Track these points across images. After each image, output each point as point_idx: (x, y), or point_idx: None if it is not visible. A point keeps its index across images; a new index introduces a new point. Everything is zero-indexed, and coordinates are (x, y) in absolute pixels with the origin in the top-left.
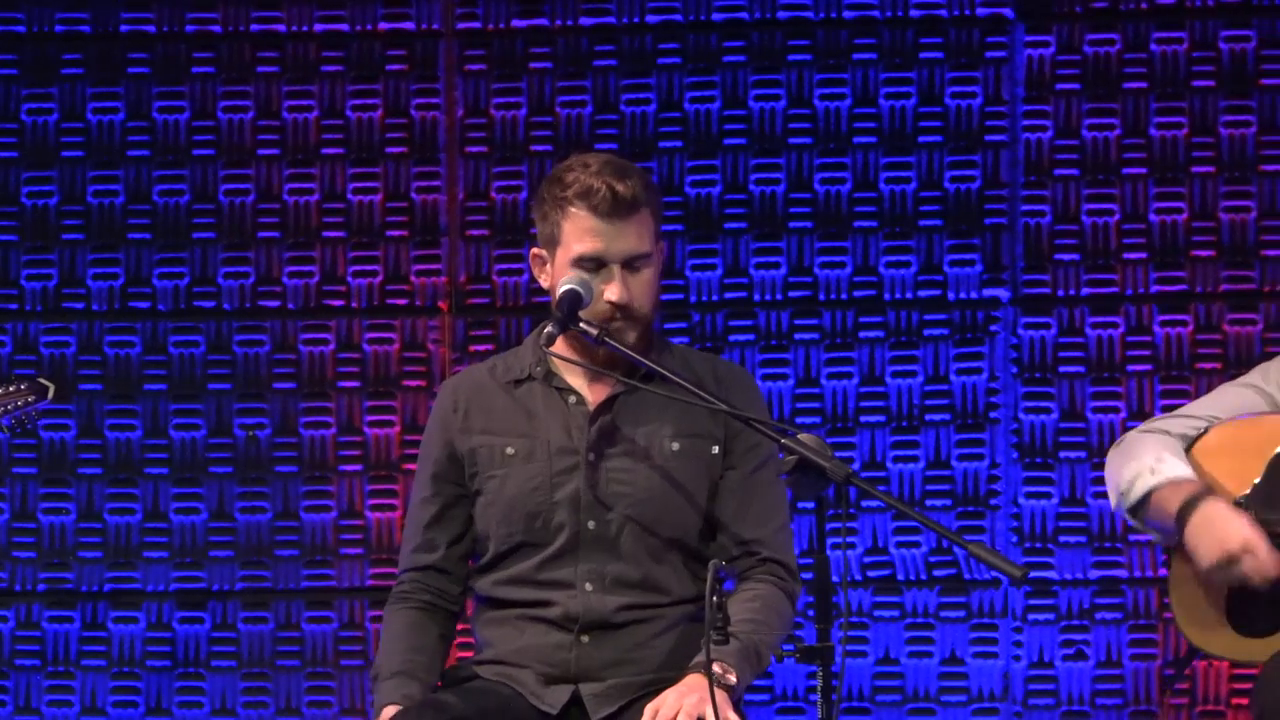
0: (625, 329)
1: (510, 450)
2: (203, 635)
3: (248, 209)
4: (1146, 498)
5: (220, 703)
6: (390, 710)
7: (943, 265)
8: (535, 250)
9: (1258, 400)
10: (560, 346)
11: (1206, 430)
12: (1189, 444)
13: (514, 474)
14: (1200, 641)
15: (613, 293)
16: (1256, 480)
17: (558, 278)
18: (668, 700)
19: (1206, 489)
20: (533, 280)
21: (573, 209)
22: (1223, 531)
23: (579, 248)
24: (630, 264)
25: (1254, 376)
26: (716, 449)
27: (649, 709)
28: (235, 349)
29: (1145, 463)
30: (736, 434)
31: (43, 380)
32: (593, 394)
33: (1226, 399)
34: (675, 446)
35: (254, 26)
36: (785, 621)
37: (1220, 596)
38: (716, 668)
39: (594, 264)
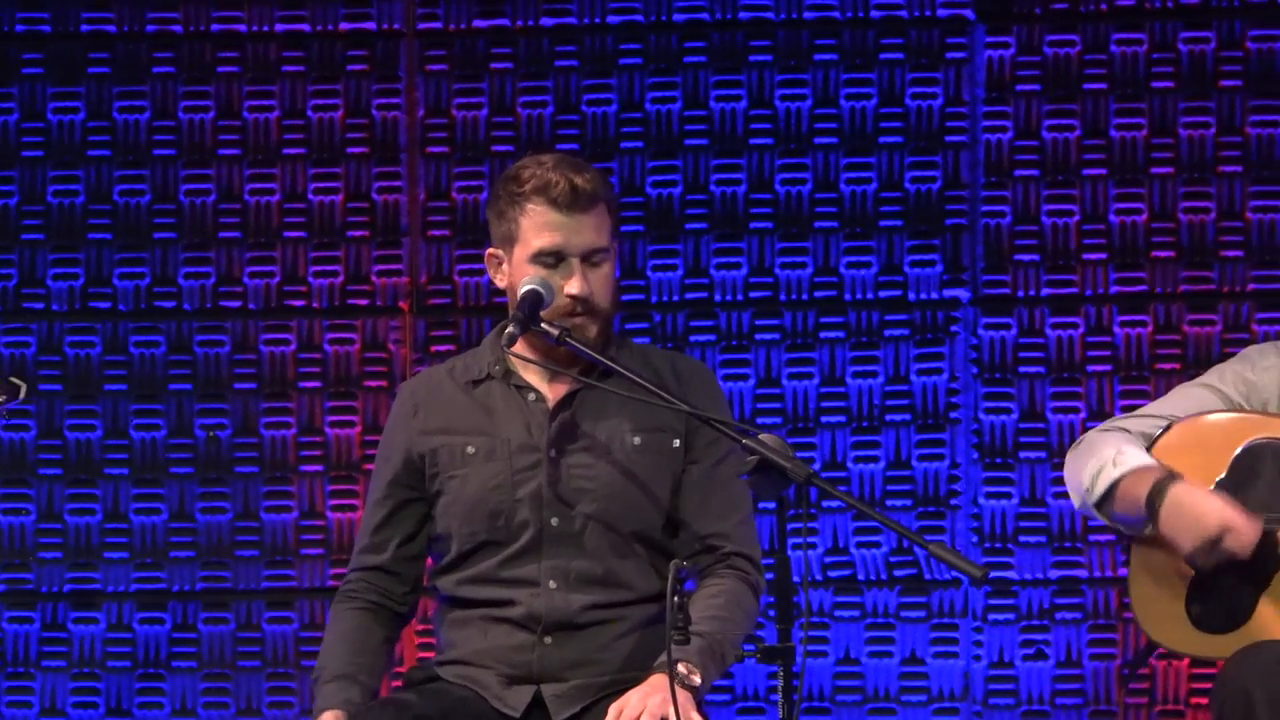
0: (587, 324)
1: (470, 449)
2: (163, 636)
3: (208, 209)
4: (1111, 490)
5: (181, 703)
6: (331, 715)
7: (903, 266)
8: (491, 250)
9: (1215, 400)
10: (520, 346)
11: (1167, 429)
12: (1150, 443)
13: (475, 473)
14: (1160, 638)
15: (574, 286)
16: (1220, 477)
17: (516, 277)
18: (631, 700)
19: (1170, 473)
20: (493, 280)
21: (530, 204)
22: (1198, 514)
23: (538, 242)
24: (589, 258)
25: (1210, 377)
26: (677, 442)
27: (613, 709)
28: (196, 349)
29: (1107, 456)
30: (697, 428)
31: (14, 380)
32: (552, 391)
33: (1184, 399)
34: (636, 441)
35: (215, 26)
36: (750, 617)
37: (1179, 593)
38: (681, 668)
39: (553, 259)
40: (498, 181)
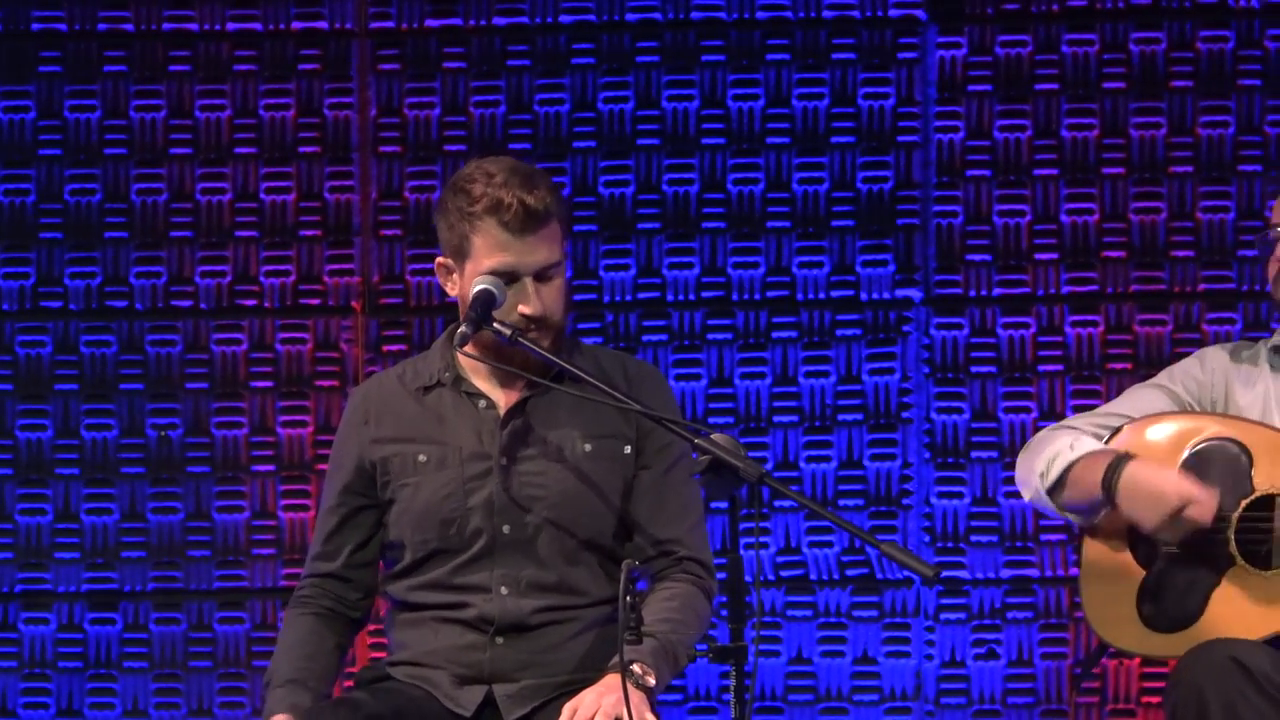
0: (539, 338)
1: (422, 458)
2: (114, 636)
3: (160, 208)
4: (1065, 475)
5: (132, 704)
6: (279, 718)
7: (855, 266)
8: (441, 260)
9: (1166, 401)
10: (470, 347)
11: (1119, 430)
12: (1104, 442)
13: (426, 481)
14: (1112, 639)
15: (528, 307)
16: None
17: (467, 288)
18: (585, 700)
19: (1124, 453)
20: (442, 288)
21: (482, 224)
22: (1156, 490)
23: (490, 263)
24: (541, 275)
25: (1161, 378)
26: (629, 449)
27: (567, 708)
28: (147, 349)
29: (1061, 444)
30: (648, 433)
31: None
32: (503, 398)
33: (1136, 400)
34: (587, 448)
35: (166, 25)
36: (703, 620)
37: (1130, 593)
38: (636, 668)
39: (506, 277)
40: (447, 190)
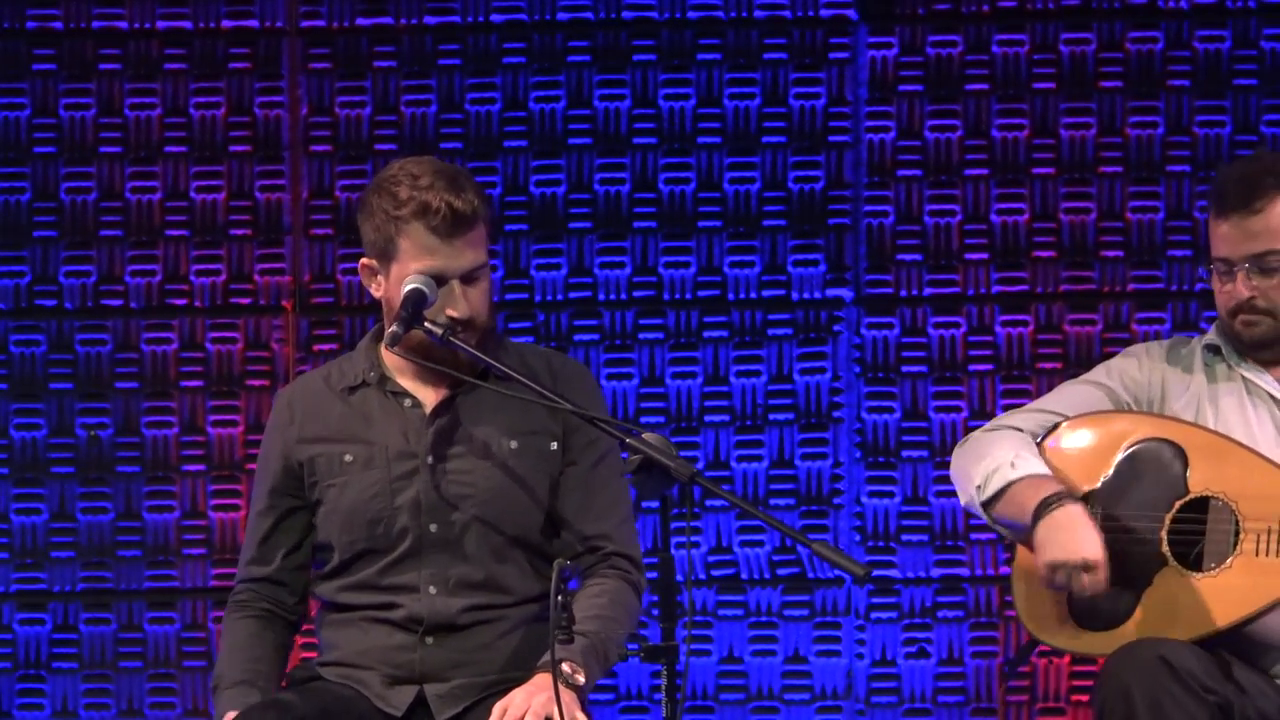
0: (467, 339)
1: (348, 458)
2: (43, 636)
3: (89, 207)
4: (1003, 492)
5: (62, 704)
6: (229, 717)
7: (786, 265)
8: (365, 261)
9: (1102, 397)
10: (399, 347)
11: (1056, 427)
12: (1039, 440)
13: (353, 482)
14: (1043, 636)
15: (455, 309)
16: (1106, 475)
17: (393, 291)
18: (516, 699)
19: (1066, 491)
20: (366, 288)
21: (409, 227)
22: (1077, 538)
23: (417, 266)
24: (468, 277)
25: (1098, 374)
26: (555, 445)
27: (497, 707)
28: (77, 348)
29: (1004, 458)
30: (574, 429)
31: None
32: (429, 397)
33: (1072, 396)
34: (514, 445)
35: (96, 24)
36: (632, 616)
37: (1062, 591)
38: (566, 667)
39: (434, 281)
40: (370, 191)
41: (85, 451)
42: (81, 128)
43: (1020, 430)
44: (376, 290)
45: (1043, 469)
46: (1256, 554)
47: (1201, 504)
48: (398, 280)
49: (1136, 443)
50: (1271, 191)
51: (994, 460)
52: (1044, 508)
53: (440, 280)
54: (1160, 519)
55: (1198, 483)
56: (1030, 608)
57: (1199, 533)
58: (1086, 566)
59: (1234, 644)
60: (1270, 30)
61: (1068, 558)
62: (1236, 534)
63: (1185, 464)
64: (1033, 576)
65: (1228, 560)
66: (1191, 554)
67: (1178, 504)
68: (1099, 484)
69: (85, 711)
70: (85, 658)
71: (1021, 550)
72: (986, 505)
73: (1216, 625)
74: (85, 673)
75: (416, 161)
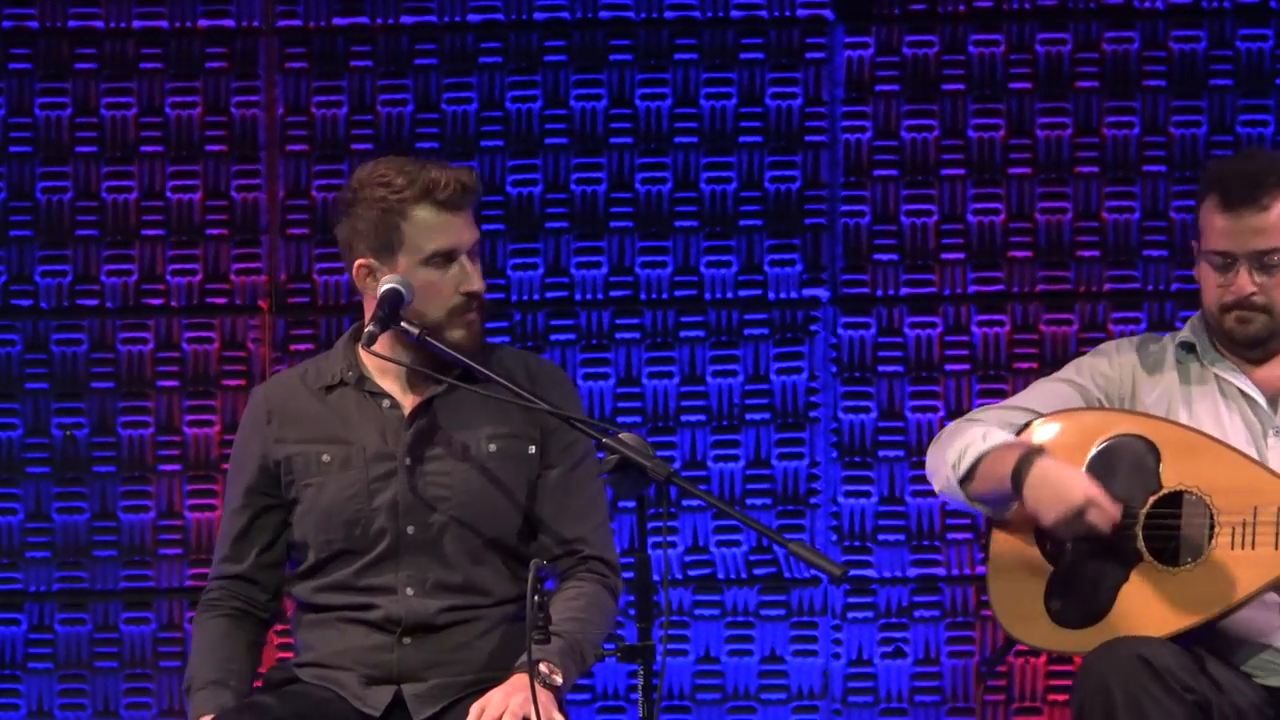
0: (478, 319)
1: (326, 458)
2: (19, 637)
3: (65, 207)
4: (976, 466)
5: (37, 705)
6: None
7: (763, 265)
8: (361, 262)
9: (1074, 395)
10: (378, 347)
11: (1027, 425)
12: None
13: (330, 482)
14: (1020, 635)
15: (472, 283)
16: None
17: (409, 272)
18: (493, 699)
19: (1037, 448)
20: (362, 292)
21: (413, 209)
22: (1063, 486)
23: (431, 245)
24: (471, 253)
25: (1069, 372)
26: (533, 448)
27: (475, 708)
28: (53, 348)
29: (974, 435)
30: (552, 432)
31: None
32: (407, 398)
33: (1044, 394)
34: (492, 447)
35: (71, 23)
36: (609, 619)
37: (1038, 589)
38: (543, 668)
39: (445, 259)
40: (354, 190)
41: (61, 451)
42: (57, 127)
43: (990, 424)
44: (375, 291)
45: (1011, 439)
46: (1232, 547)
47: (1175, 499)
48: (408, 269)
49: (1109, 439)
50: (1276, 189)
51: (965, 440)
52: (1019, 473)
53: (450, 257)
54: (1135, 515)
55: (1171, 478)
56: (1007, 607)
57: (1174, 528)
58: (1083, 508)
59: (1209, 639)
60: (1246, 31)
61: (1064, 510)
62: (1211, 528)
63: (1158, 459)
64: (1009, 575)
65: (1203, 554)
66: (1167, 549)
67: (1152, 499)
68: None
69: (61, 712)
70: (61, 658)
71: (997, 546)
72: (964, 483)
73: (1194, 619)
74: (61, 673)
75: (388, 159)
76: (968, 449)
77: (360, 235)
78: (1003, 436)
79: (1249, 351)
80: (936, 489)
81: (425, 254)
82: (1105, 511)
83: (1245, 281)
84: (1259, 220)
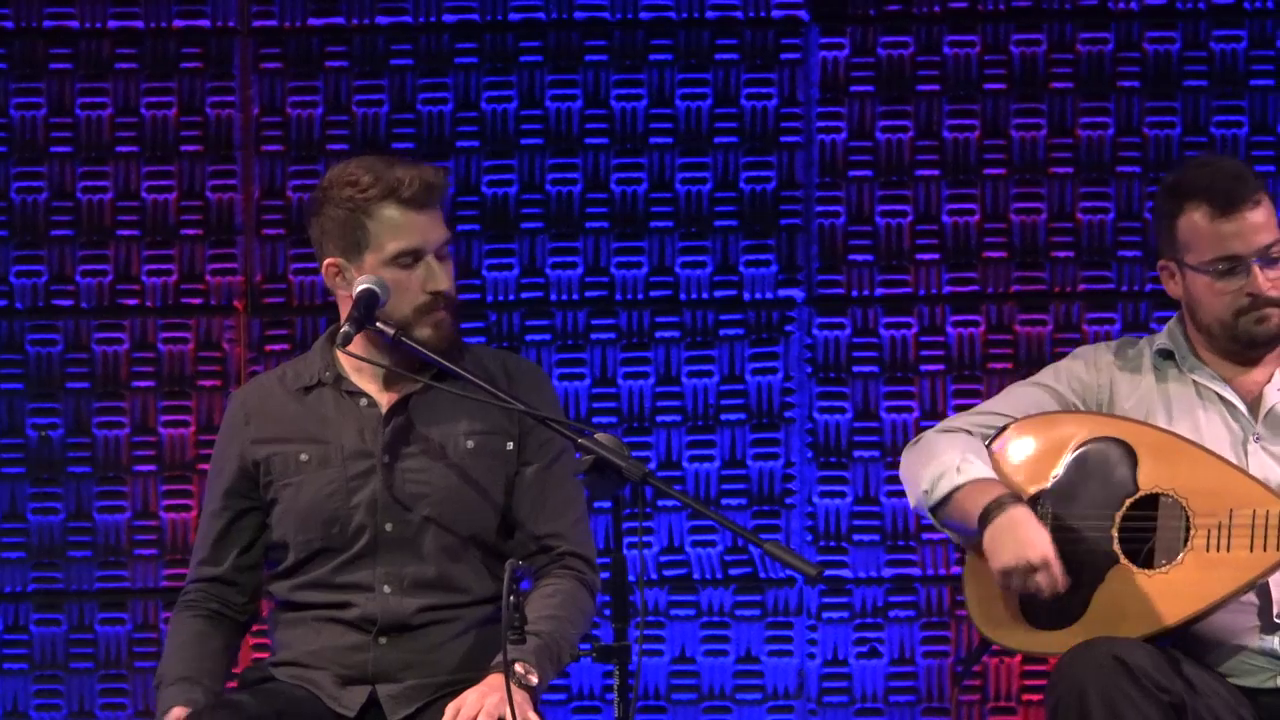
0: (447, 318)
1: (304, 457)
2: None
3: (40, 207)
4: (950, 497)
5: (12, 705)
6: (178, 712)
7: (738, 265)
8: (330, 261)
9: (1049, 400)
10: (354, 347)
11: (1005, 429)
12: (987, 442)
13: (309, 481)
14: (994, 635)
15: (438, 282)
16: (1056, 475)
17: (375, 271)
18: (469, 699)
19: (1011, 494)
20: (333, 292)
21: (378, 208)
22: (1024, 540)
23: (396, 245)
24: (440, 253)
25: (1045, 376)
26: (511, 445)
27: (450, 708)
28: (28, 348)
29: (951, 461)
30: (530, 429)
31: None
32: (384, 397)
33: (1020, 398)
34: (470, 445)
35: (47, 23)
36: (586, 616)
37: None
38: (518, 667)
39: (412, 258)
40: (323, 191)
41: (36, 452)
42: (32, 127)
43: (969, 433)
44: (345, 290)
45: (988, 473)
46: (1208, 549)
47: (1151, 501)
48: (375, 268)
49: (1085, 442)
50: (1258, 184)
51: (940, 464)
52: (988, 514)
53: (417, 257)
54: (1110, 517)
55: (1147, 480)
56: (982, 608)
57: (1150, 530)
58: (1036, 566)
59: (1185, 641)
60: (1220, 32)
61: (1018, 561)
62: (1187, 530)
63: (1134, 462)
64: (984, 577)
65: (1179, 556)
66: (1143, 552)
67: (1128, 502)
68: (1049, 484)
69: (36, 713)
70: (36, 658)
71: (974, 549)
72: (935, 511)
73: (1170, 621)
74: (36, 673)
75: (360, 159)
76: (942, 478)
77: (329, 235)
78: (979, 471)
79: (1260, 351)
80: (910, 503)
81: (390, 253)
82: (1054, 578)
83: (1261, 279)
84: (1256, 216)
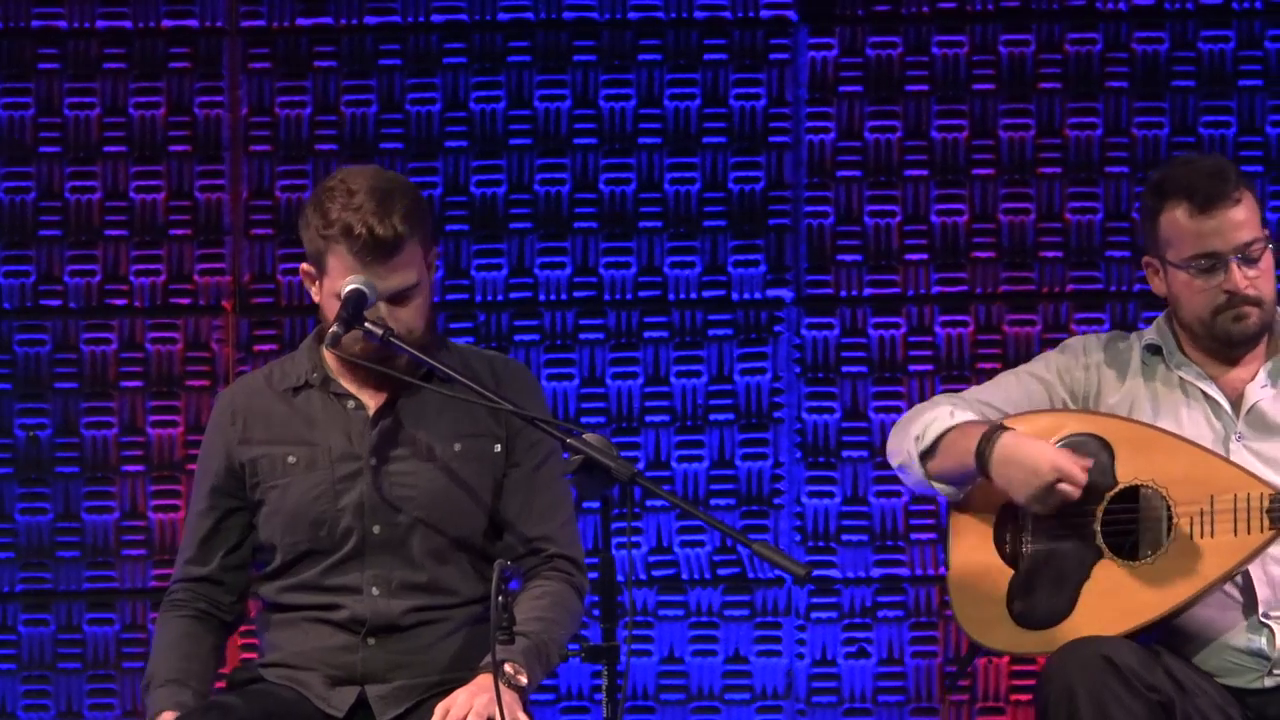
0: (403, 360)
1: (291, 459)
2: None
3: (28, 207)
4: (940, 439)
5: (0, 706)
6: (168, 716)
7: (727, 266)
8: (305, 266)
9: (1038, 390)
10: (341, 347)
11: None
12: None
13: (296, 483)
14: (981, 637)
15: (395, 325)
16: None
17: (326, 301)
18: (458, 700)
19: (1000, 424)
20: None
21: (336, 246)
22: (1031, 462)
23: (344, 286)
24: (396, 298)
25: (1036, 366)
26: (499, 447)
27: (439, 708)
28: (16, 348)
29: (941, 412)
30: (518, 431)
31: None
32: (372, 399)
33: (1009, 389)
34: (457, 447)
35: (35, 23)
36: (574, 617)
37: (1000, 591)
38: (508, 668)
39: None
40: (311, 199)
41: (24, 452)
42: (20, 128)
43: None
44: (315, 295)
45: (976, 418)
46: (1192, 536)
47: (1132, 493)
48: (329, 293)
49: (1063, 439)
50: (1239, 183)
51: (931, 415)
52: (983, 450)
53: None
54: (1092, 512)
55: (1126, 473)
56: (969, 612)
57: (1132, 523)
58: (1059, 479)
59: (1172, 639)
60: (1208, 32)
61: (1035, 488)
62: (1170, 519)
63: (1112, 456)
64: (970, 582)
65: (1163, 546)
66: (1127, 544)
67: (1109, 496)
68: None
69: (24, 713)
70: (24, 659)
71: (955, 554)
72: (925, 458)
73: (1159, 611)
74: (24, 674)
75: (358, 173)
76: (933, 423)
77: (304, 239)
78: (969, 416)
79: (1239, 350)
80: (894, 464)
81: (339, 291)
82: (1076, 478)
83: (1239, 276)
84: (1236, 214)
